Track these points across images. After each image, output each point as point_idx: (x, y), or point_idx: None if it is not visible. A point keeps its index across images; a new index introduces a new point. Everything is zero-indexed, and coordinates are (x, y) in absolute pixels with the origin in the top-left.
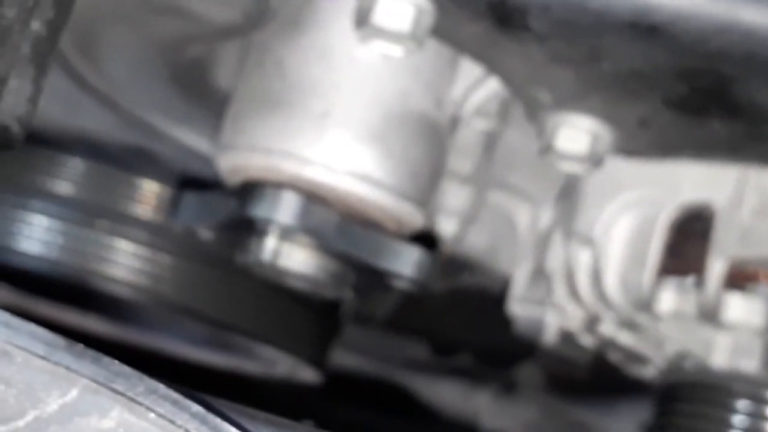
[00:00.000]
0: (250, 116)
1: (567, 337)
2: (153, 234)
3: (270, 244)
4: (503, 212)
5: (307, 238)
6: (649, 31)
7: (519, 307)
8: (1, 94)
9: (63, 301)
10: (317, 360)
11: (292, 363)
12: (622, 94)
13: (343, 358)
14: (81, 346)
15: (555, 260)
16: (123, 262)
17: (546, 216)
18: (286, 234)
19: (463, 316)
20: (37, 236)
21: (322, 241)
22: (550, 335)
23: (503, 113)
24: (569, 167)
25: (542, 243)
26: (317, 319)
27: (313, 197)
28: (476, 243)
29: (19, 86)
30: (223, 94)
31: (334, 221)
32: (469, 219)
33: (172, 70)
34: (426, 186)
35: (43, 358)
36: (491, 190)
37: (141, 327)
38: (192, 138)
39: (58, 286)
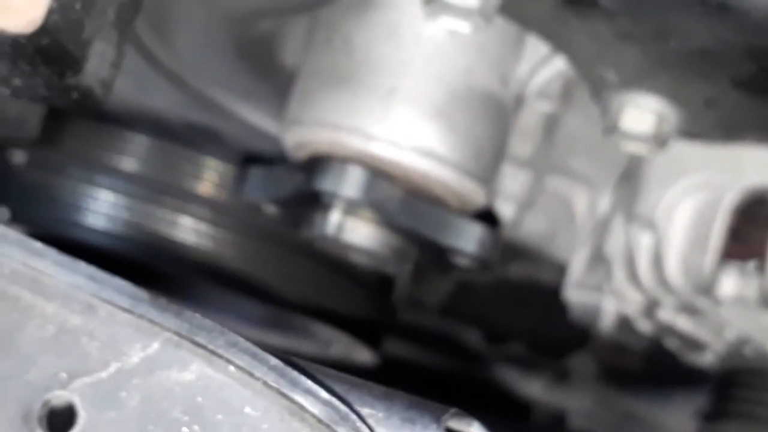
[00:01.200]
0: (317, 92)
1: (624, 324)
2: (216, 211)
3: (335, 217)
4: (561, 197)
5: (371, 212)
6: (718, 7)
7: (576, 294)
8: (87, 56)
9: (127, 278)
10: (372, 342)
11: (347, 344)
12: (689, 73)
13: (396, 344)
14: (164, 300)
15: (615, 244)
16: (185, 239)
17: (605, 200)
18: (350, 208)
19: (516, 304)
20: (103, 211)
21: (385, 216)
22: (607, 322)
23: (566, 95)
24: (634, 148)
25: (601, 228)
26: (373, 300)
27: (378, 172)
28: (533, 229)
29: (103, 50)
30: (289, 71)
31: (398, 196)
32: (526, 204)
33: (239, 47)
34: (489, 164)
35: (126, 311)
36: (550, 175)
37: (200, 305)
38: (257, 115)
39: (123, 262)
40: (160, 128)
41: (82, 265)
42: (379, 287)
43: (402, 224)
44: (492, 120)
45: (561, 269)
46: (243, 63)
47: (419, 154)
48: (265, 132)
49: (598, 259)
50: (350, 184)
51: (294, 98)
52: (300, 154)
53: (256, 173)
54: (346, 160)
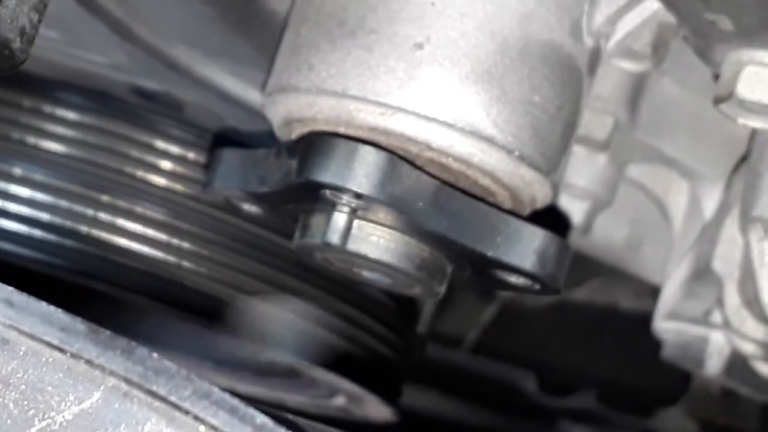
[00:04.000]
0: (315, 48)
1: (738, 367)
2: (173, 210)
3: (340, 220)
4: (651, 193)
5: (389, 213)
6: None
7: (671, 326)
8: None
9: (56, 302)
10: (389, 391)
11: (355, 393)
12: None
13: (421, 392)
14: (108, 333)
15: (728, 258)
16: (132, 248)
17: (713, 198)
18: (362, 207)
19: (584, 339)
20: (17, 210)
21: (410, 218)
22: (714, 364)
23: (660, 51)
24: (755, 122)
25: (709, 235)
26: (390, 335)
27: (400, 158)
28: (611, 235)
29: None
30: (274, 21)
31: (429, 191)
32: (602, 202)
33: None
34: (555, 147)
35: (56, 348)
36: (635, 163)
37: (155, 339)
38: (230, 80)
39: (48, 279)
40: (97, 96)
41: None
42: (399, 317)
43: (433, 230)
44: (559, 85)
45: (649, 292)
46: (212, 9)
47: (458, 132)
48: (243, 102)
49: (705, 278)
50: (361, 173)
51: (282, 57)
52: (290, 133)
53: (229, 159)
54: (356, 140)
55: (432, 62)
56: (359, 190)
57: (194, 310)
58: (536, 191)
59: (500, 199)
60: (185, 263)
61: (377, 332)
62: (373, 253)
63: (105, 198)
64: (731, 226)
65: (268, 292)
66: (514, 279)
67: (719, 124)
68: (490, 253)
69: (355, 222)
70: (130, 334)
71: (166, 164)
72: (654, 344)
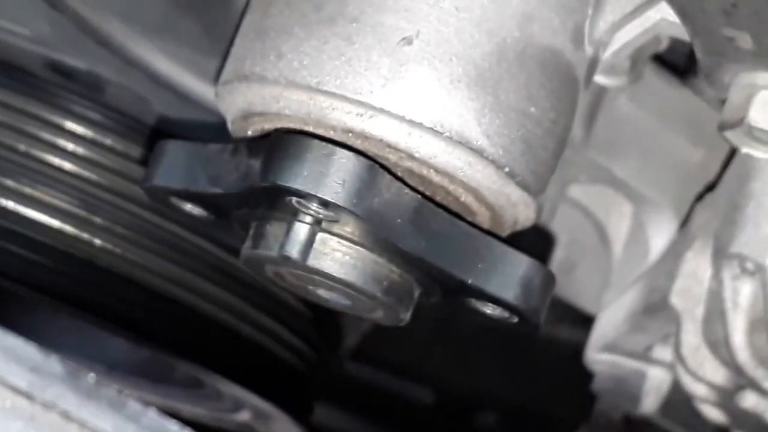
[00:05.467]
0: (286, 33)
1: (676, 407)
2: (80, 197)
3: (301, 231)
4: (591, 215)
5: (359, 228)
6: None
7: (606, 358)
8: None
9: None
10: (300, 406)
11: (261, 409)
12: None
13: (332, 410)
14: (92, 376)
15: (688, 294)
16: (32, 235)
17: (660, 225)
18: (328, 219)
19: (489, 358)
20: None
21: (386, 236)
22: (650, 402)
23: (636, 67)
24: (763, 152)
25: (664, 267)
26: (307, 346)
27: (378, 165)
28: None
29: None
30: None
31: (410, 206)
32: (539, 221)
33: None
34: (546, 165)
35: (22, 393)
36: (576, 183)
37: (45, 336)
38: (164, 61)
39: None
40: (4, 69)
41: None
42: (316, 327)
43: (409, 250)
44: (556, 95)
45: (572, 317)
46: None
47: (444, 141)
48: (176, 87)
49: (657, 312)
50: (337, 182)
51: (243, 40)
52: (247, 128)
53: (174, 152)
54: (327, 142)
55: (421, 60)
56: (334, 201)
57: (89, 307)
58: (520, 213)
59: (479, 218)
60: (95, 257)
61: (292, 343)
62: (336, 271)
63: (9, 183)
64: (693, 260)
65: (178, 294)
66: (489, 309)
67: (672, 148)
68: (470, 281)
69: (319, 235)
70: (15, 328)
71: (78, 149)
72: (558, 369)
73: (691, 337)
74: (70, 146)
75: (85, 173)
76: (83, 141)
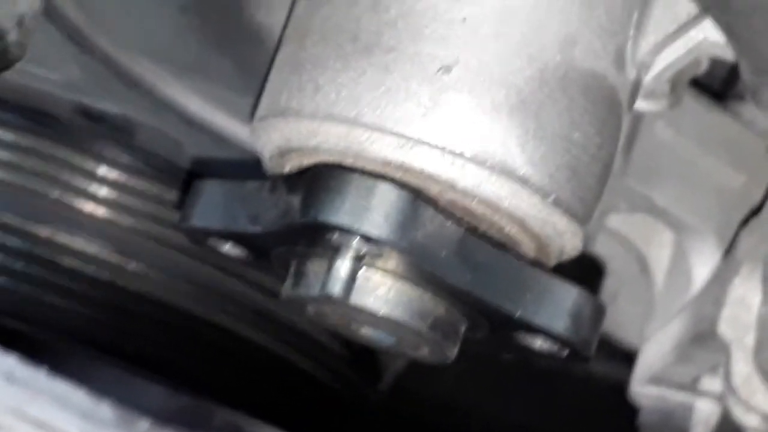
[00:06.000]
0: (322, 65)
1: None
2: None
3: (343, 268)
4: (631, 245)
5: (402, 262)
6: None
7: (652, 391)
8: None
9: None
10: None
11: None
12: None
13: None
14: (148, 421)
15: (737, 322)
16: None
17: (702, 253)
18: (371, 254)
19: (525, 392)
20: None
21: (430, 270)
22: None
23: (676, 90)
24: None
25: (711, 295)
26: (342, 392)
27: (421, 198)
28: None
29: None
30: (260, 34)
31: (454, 239)
32: None
33: None
34: (593, 192)
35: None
36: (615, 211)
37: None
38: (197, 101)
39: None
40: (35, 115)
41: None
42: (356, 366)
43: (454, 284)
44: (600, 121)
45: (620, 355)
46: (188, 19)
47: (487, 170)
48: (209, 128)
49: (705, 342)
50: (380, 216)
51: (278, 74)
52: (284, 165)
53: (211, 192)
54: (368, 175)
55: (461, 88)
56: (377, 235)
57: (125, 355)
58: (566, 242)
59: (524, 248)
60: (129, 303)
61: (332, 386)
62: (380, 308)
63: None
64: (741, 287)
65: (216, 337)
66: (538, 343)
67: (712, 173)
68: (518, 313)
69: (361, 271)
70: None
71: (111, 194)
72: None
73: (742, 366)
74: (102, 192)
75: (118, 219)
76: (116, 186)
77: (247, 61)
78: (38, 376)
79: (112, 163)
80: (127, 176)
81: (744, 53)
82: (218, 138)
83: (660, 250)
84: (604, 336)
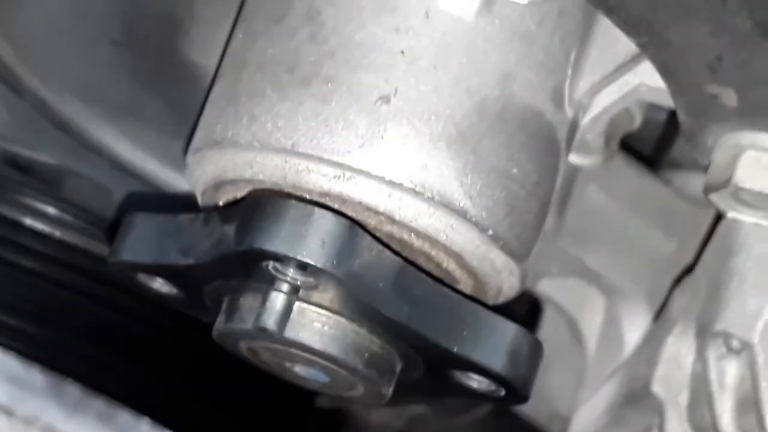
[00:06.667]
0: (259, 96)
1: None
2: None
3: (278, 301)
4: (563, 310)
5: (338, 296)
6: None
7: None
8: None
9: None
10: None
11: None
12: None
13: None
14: (77, 388)
15: (670, 381)
16: None
17: (635, 317)
18: (307, 286)
19: None
20: None
21: (367, 302)
22: None
23: (610, 144)
24: (748, 216)
25: (644, 355)
26: None
27: (358, 228)
28: None
29: None
30: (193, 73)
31: (392, 270)
32: None
33: (110, 31)
34: (530, 230)
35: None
36: (546, 276)
37: None
38: (128, 146)
39: None
40: None
41: None
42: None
43: (392, 317)
44: (538, 157)
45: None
46: (122, 58)
47: (426, 203)
48: (139, 175)
49: (639, 403)
50: (316, 243)
51: (214, 107)
52: (218, 198)
53: (143, 225)
54: (304, 202)
55: (400, 119)
56: (313, 263)
57: None
58: (504, 281)
59: (462, 286)
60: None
61: None
62: (315, 342)
63: None
64: (673, 345)
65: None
66: (476, 383)
67: (644, 238)
68: (455, 349)
69: (296, 304)
70: None
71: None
72: None
73: (676, 424)
74: (29, 243)
75: (46, 270)
76: (42, 238)
77: (181, 101)
78: None
79: (39, 215)
80: (54, 228)
81: (680, 93)
82: (149, 184)
83: (593, 316)
84: (533, 421)
